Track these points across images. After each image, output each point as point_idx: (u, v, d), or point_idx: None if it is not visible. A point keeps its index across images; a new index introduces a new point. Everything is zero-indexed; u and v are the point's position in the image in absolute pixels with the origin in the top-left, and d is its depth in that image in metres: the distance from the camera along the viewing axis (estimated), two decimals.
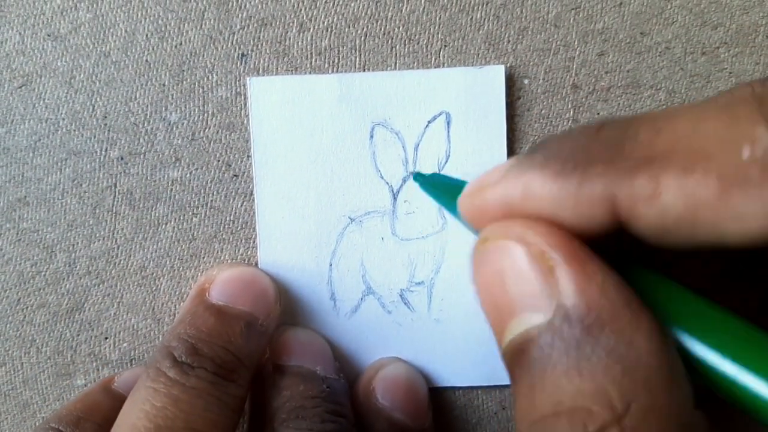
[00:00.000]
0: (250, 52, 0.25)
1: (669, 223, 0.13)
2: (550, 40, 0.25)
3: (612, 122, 0.14)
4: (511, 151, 0.25)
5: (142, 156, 0.25)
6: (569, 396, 0.14)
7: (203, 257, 0.25)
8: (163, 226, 0.25)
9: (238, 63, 0.25)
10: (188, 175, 0.25)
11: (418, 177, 0.22)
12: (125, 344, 0.26)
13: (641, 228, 0.14)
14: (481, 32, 0.25)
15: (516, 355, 0.15)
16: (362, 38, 0.25)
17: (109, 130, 0.25)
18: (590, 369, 0.14)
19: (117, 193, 0.25)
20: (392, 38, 0.25)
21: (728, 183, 0.13)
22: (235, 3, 0.25)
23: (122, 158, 0.25)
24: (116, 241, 0.25)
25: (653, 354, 0.13)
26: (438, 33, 0.25)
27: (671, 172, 0.13)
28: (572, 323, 0.14)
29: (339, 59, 0.25)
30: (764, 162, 0.12)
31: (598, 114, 0.25)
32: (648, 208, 0.14)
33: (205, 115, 0.25)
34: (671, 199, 0.13)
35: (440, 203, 0.21)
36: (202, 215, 0.25)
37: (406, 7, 0.25)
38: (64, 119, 0.25)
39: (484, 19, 0.25)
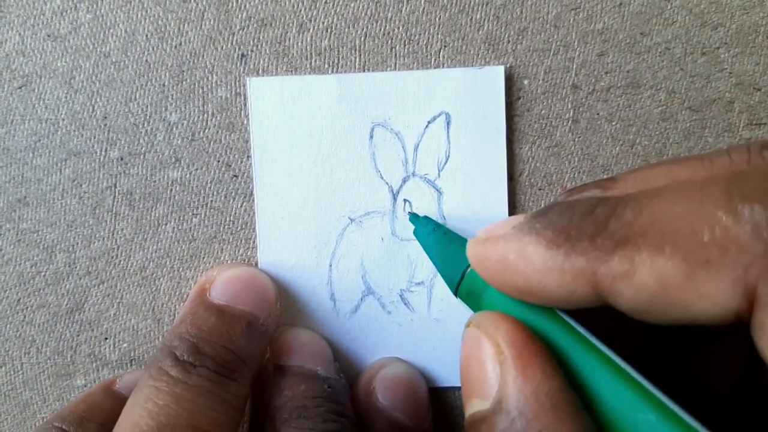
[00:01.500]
0: (249, 52, 0.25)
1: (644, 301, 0.15)
2: (550, 40, 0.25)
3: (608, 200, 0.16)
4: (510, 152, 0.25)
5: (141, 156, 0.25)
6: None
7: (203, 258, 0.26)
8: (163, 226, 0.26)
9: (238, 63, 0.25)
10: (188, 175, 0.25)
11: (414, 218, 0.24)
12: (125, 344, 0.26)
13: (621, 304, 0.15)
14: (480, 33, 0.25)
15: (466, 431, 0.18)
16: (362, 39, 0.25)
17: (108, 131, 0.25)
18: None
19: (117, 194, 0.25)
20: (392, 39, 0.25)
21: (693, 264, 0.14)
22: (234, 3, 0.25)
23: (122, 159, 0.25)
24: (116, 241, 0.25)
25: None
26: (438, 33, 0.25)
27: (644, 252, 0.14)
28: (504, 416, 0.16)
29: (339, 59, 0.25)
30: (723, 244, 0.13)
31: (598, 114, 0.25)
32: (624, 285, 0.15)
33: (205, 115, 0.25)
34: (644, 278, 0.14)
35: (426, 250, 0.23)
36: (202, 215, 0.26)
37: (406, 8, 0.25)
38: (63, 120, 0.25)
39: (484, 19, 0.25)
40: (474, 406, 0.17)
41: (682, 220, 0.14)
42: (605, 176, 0.25)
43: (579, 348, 0.17)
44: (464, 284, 0.20)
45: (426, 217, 0.24)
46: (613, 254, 0.15)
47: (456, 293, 0.21)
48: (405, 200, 0.25)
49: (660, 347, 0.20)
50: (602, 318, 0.18)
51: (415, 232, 0.24)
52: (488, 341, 0.17)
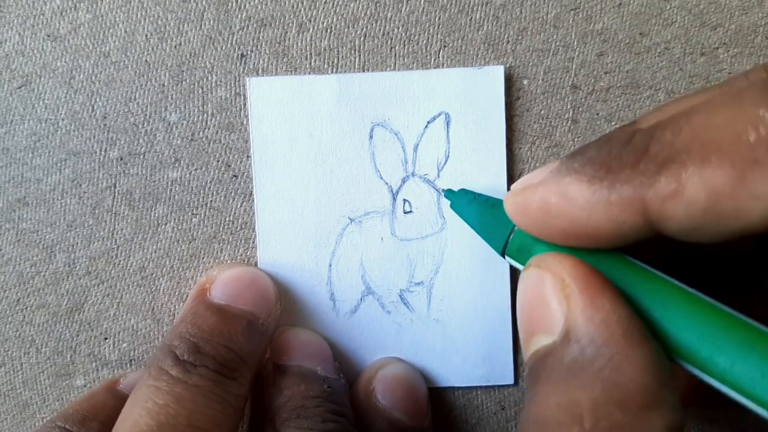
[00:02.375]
0: (249, 52, 0.25)
1: (696, 217, 0.14)
2: (550, 40, 0.25)
3: (645, 127, 0.16)
4: (510, 152, 0.26)
5: (141, 156, 0.25)
6: (553, 408, 0.16)
7: (203, 258, 0.26)
8: (163, 226, 0.26)
9: (238, 63, 0.25)
10: (188, 175, 0.26)
11: (449, 193, 0.24)
12: (125, 344, 0.26)
13: (671, 226, 0.15)
14: (480, 33, 0.25)
15: (530, 369, 0.17)
16: (362, 39, 0.25)
17: (108, 131, 0.25)
18: (575, 386, 0.15)
19: (116, 194, 0.26)
20: (392, 39, 0.25)
21: (741, 168, 0.14)
22: (234, 3, 0.25)
23: (122, 158, 0.25)
24: (116, 241, 0.26)
25: (636, 381, 0.15)
26: (437, 33, 0.25)
27: (690, 167, 0.14)
28: (573, 346, 0.16)
29: (338, 60, 0.25)
30: None
31: (598, 114, 0.26)
32: (674, 205, 0.15)
33: (205, 115, 0.25)
34: (693, 193, 0.14)
35: (467, 220, 0.23)
36: (202, 215, 0.26)
37: (406, 8, 0.25)
38: (63, 120, 0.25)
39: (484, 19, 0.25)
40: (538, 342, 0.17)
41: (724, 127, 0.14)
42: None
43: (643, 278, 0.17)
44: (513, 240, 0.20)
45: (463, 189, 0.24)
46: (659, 176, 0.15)
47: (503, 253, 0.20)
48: (405, 200, 0.26)
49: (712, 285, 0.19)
50: (651, 260, 0.17)
51: (452, 206, 0.24)
52: (552, 277, 0.17)
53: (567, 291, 0.17)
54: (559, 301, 0.17)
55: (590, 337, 0.16)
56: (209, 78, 0.25)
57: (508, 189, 0.26)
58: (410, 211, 0.26)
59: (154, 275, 0.26)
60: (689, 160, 0.14)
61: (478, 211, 0.22)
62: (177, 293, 0.26)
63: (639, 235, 0.16)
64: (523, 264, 0.20)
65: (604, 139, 0.16)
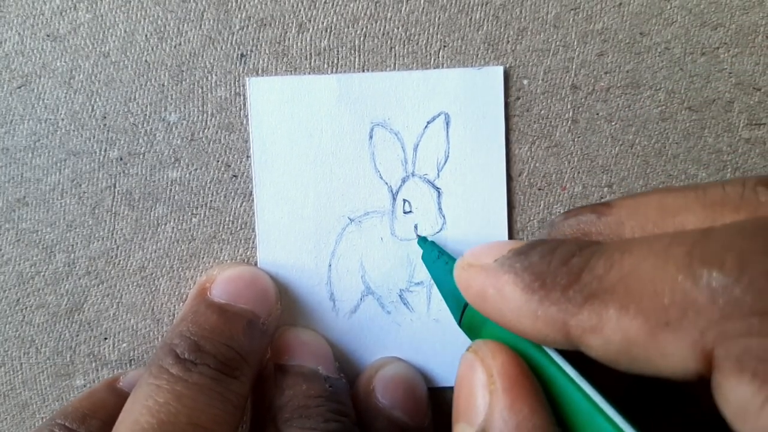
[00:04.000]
0: (249, 52, 0.26)
1: (612, 354, 0.16)
2: (550, 40, 0.26)
3: (585, 249, 0.17)
4: (510, 152, 0.26)
5: (141, 156, 0.26)
6: None
7: (203, 257, 0.26)
8: (163, 226, 0.26)
9: (238, 63, 0.26)
10: (187, 175, 0.26)
11: (422, 242, 0.25)
12: (124, 344, 0.27)
13: (591, 353, 0.16)
14: (480, 33, 0.26)
15: None
16: (361, 39, 0.26)
17: (108, 131, 0.26)
18: None
19: (116, 194, 0.26)
20: (391, 39, 0.26)
21: (654, 325, 0.14)
22: (234, 3, 0.25)
23: (121, 158, 0.26)
24: (115, 241, 0.26)
25: None
26: (437, 33, 0.26)
27: (611, 309, 0.15)
28: None
29: (338, 59, 0.26)
30: (682, 307, 0.14)
31: (598, 114, 0.26)
32: (593, 338, 0.16)
33: (205, 115, 0.26)
34: (610, 334, 0.15)
35: (432, 276, 0.24)
36: (202, 215, 0.26)
37: (406, 8, 0.26)
38: (63, 119, 0.26)
39: (484, 19, 0.26)
40: (461, 429, 0.18)
41: (646, 279, 0.15)
42: (604, 176, 0.26)
43: (564, 384, 0.18)
44: (466, 315, 0.21)
45: (432, 243, 0.25)
46: (583, 308, 0.16)
47: (459, 323, 0.21)
48: (404, 200, 0.26)
49: (645, 385, 0.20)
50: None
51: (422, 257, 0.25)
52: (482, 369, 0.18)
53: (492, 387, 0.17)
54: (483, 395, 0.17)
55: None
56: (209, 78, 0.26)
57: (508, 190, 0.26)
58: (410, 211, 0.26)
59: (153, 275, 0.26)
60: (611, 302, 0.15)
61: (442, 271, 0.23)
62: (177, 293, 0.26)
63: (563, 347, 0.17)
64: (472, 339, 0.20)
65: (551, 247, 0.17)
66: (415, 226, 0.26)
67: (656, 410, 0.20)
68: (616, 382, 0.18)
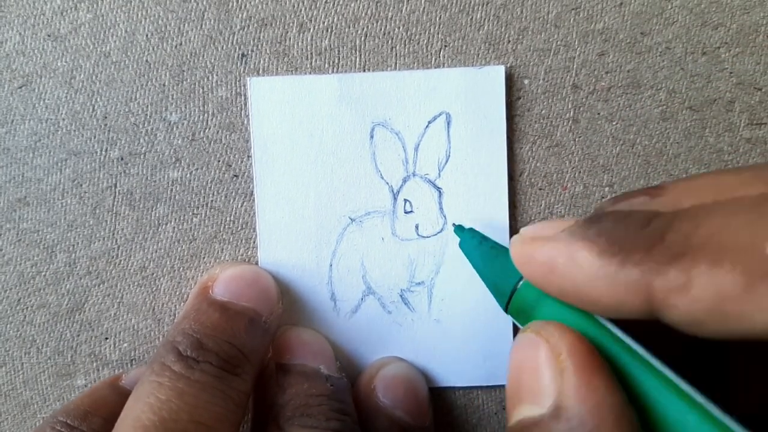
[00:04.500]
0: (250, 52, 0.26)
1: (699, 314, 0.15)
2: (551, 40, 0.26)
3: (666, 214, 0.16)
4: (511, 152, 0.26)
5: (142, 156, 0.26)
6: None
7: (203, 257, 0.26)
8: (164, 226, 0.26)
9: (238, 63, 0.26)
10: (188, 175, 0.26)
11: (459, 230, 0.24)
12: (125, 344, 0.27)
13: (674, 317, 0.16)
14: (481, 32, 0.26)
15: None
16: (362, 38, 0.26)
17: (109, 131, 0.26)
18: None
19: (117, 194, 0.26)
20: (392, 38, 0.26)
21: (752, 277, 0.14)
22: (235, 3, 0.26)
23: (122, 158, 0.26)
24: (116, 241, 0.26)
25: None
26: (438, 33, 0.26)
27: (702, 265, 0.15)
28: (562, 423, 0.16)
29: (339, 59, 0.26)
30: None
31: (599, 114, 0.26)
32: (680, 299, 0.15)
33: (206, 115, 0.26)
34: (701, 291, 0.15)
35: (474, 265, 0.23)
36: (203, 215, 0.26)
37: (406, 8, 0.26)
38: (64, 119, 0.26)
39: (484, 19, 0.26)
40: (524, 411, 0.17)
41: (741, 233, 0.14)
42: (605, 176, 0.26)
43: (634, 362, 0.17)
44: (516, 298, 0.20)
45: (472, 230, 0.24)
46: (670, 267, 0.15)
47: (506, 309, 0.21)
48: (405, 200, 0.26)
49: (698, 363, 0.20)
50: (641, 331, 0.18)
51: (460, 245, 0.24)
52: (548, 347, 0.17)
53: (562, 365, 0.17)
54: (553, 374, 0.17)
55: (581, 419, 0.16)
56: (210, 78, 0.26)
57: (509, 190, 0.26)
58: (411, 211, 0.26)
59: (154, 275, 0.26)
60: (702, 258, 0.15)
61: (485, 257, 0.22)
62: (178, 293, 0.26)
63: (637, 316, 0.16)
64: (522, 324, 0.20)
65: (624, 213, 0.17)
66: (416, 226, 0.26)
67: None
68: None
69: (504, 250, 0.21)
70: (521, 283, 0.20)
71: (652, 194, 0.18)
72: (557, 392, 0.16)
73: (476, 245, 0.23)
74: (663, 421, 0.16)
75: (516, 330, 0.26)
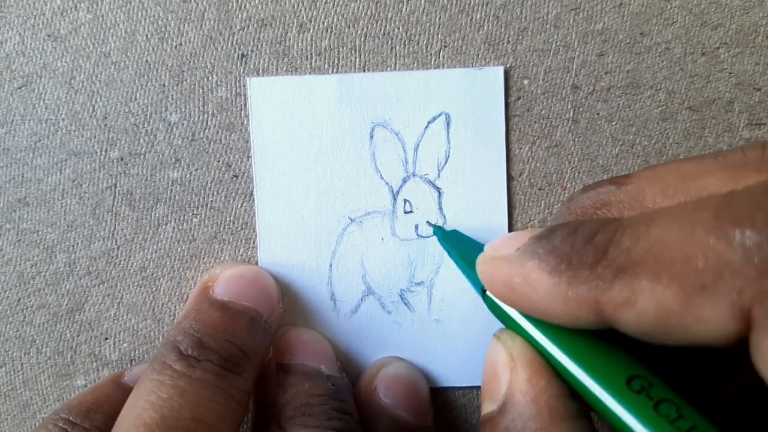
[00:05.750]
0: (250, 52, 0.26)
1: (646, 326, 0.16)
2: (550, 40, 0.26)
3: (608, 225, 0.17)
4: (510, 152, 0.26)
5: (142, 156, 0.26)
6: None
7: (203, 258, 0.27)
8: (163, 226, 0.26)
9: (238, 63, 0.26)
10: (188, 175, 0.26)
11: (438, 231, 0.26)
12: (125, 345, 0.27)
13: (624, 328, 0.17)
14: (480, 33, 0.26)
15: (479, 430, 0.20)
16: (362, 39, 0.26)
17: (109, 131, 0.26)
18: None
19: (117, 194, 0.26)
20: (392, 39, 0.26)
21: (689, 291, 0.15)
22: (235, 3, 0.26)
23: (122, 159, 0.26)
24: (116, 241, 0.26)
25: None
26: (438, 34, 0.26)
27: (643, 280, 0.15)
28: (507, 416, 0.19)
29: (339, 60, 0.26)
30: (717, 270, 0.14)
31: (598, 114, 0.26)
32: (626, 313, 0.16)
33: (205, 115, 0.26)
34: (644, 306, 0.16)
35: (453, 259, 0.25)
36: (202, 216, 0.26)
37: (406, 8, 0.26)
38: (64, 120, 0.26)
39: (484, 19, 0.26)
40: (486, 407, 0.20)
41: (676, 246, 0.15)
42: (605, 176, 0.26)
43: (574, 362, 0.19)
44: (488, 294, 0.21)
45: (454, 231, 0.25)
46: (614, 283, 0.16)
47: (483, 298, 0.22)
48: (405, 200, 0.26)
49: (675, 359, 0.21)
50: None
51: (440, 242, 0.25)
52: (504, 351, 0.20)
53: (512, 365, 0.19)
54: (505, 373, 0.19)
55: (521, 410, 0.18)
56: (210, 78, 0.26)
57: (509, 190, 0.26)
58: (411, 211, 0.26)
59: (154, 275, 0.27)
60: (642, 273, 0.15)
61: (461, 252, 0.24)
62: (178, 293, 0.27)
63: (595, 327, 0.17)
64: (496, 315, 0.21)
65: (572, 228, 0.18)
66: (416, 226, 0.26)
67: (686, 389, 0.20)
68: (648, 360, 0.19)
69: (480, 248, 0.23)
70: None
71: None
72: (507, 388, 0.19)
73: (452, 243, 0.25)
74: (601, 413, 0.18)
75: None
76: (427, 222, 0.26)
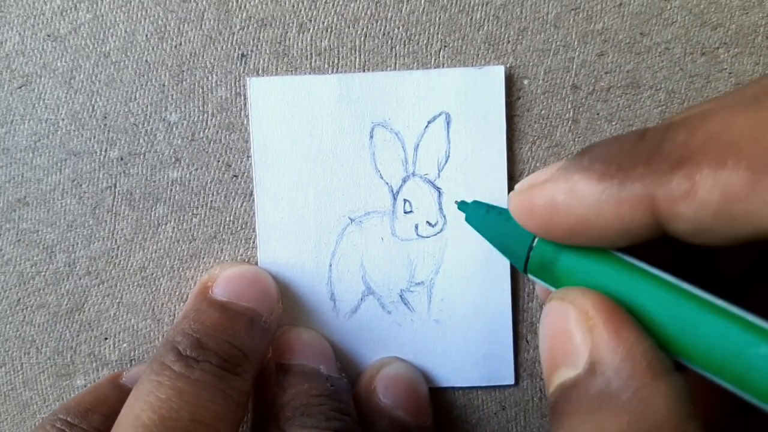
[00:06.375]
0: (249, 52, 0.26)
1: (707, 219, 0.15)
2: (550, 40, 0.26)
3: (656, 126, 0.16)
4: (510, 152, 0.26)
5: (141, 156, 0.26)
6: None
7: (203, 258, 0.27)
8: (163, 226, 0.27)
9: (238, 63, 0.26)
10: (188, 175, 0.26)
11: (462, 205, 0.24)
12: (125, 345, 0.27)
13: (680, 227, 0.15)
14: (480, 33, 0.26)
15: (554, 402, 0.18)
16: (362, 38, 0.26)
17: (108, 131, 0.26)
18: (603, 418, 0.16)
19: (117, 194, 0.26)
20: (392, 39, 0.26)
21: (757, 172, 0.14)
22: (234, 3, 0.26)
23: (122, 158, 0.26)
24: (116, 241, 0.27)
25: (663, 413, 0.16)
26: (438, 33, 0.26)
27: (705, 168, 0.15)
28: (599, 378, 0.17)
29: (339, 59, 0.26)
30: None
31: (598, 114, 0.26)
32: (686, 205, 0.15)
33: (205, 115, 0.26)
34: (707, 195, 0.15)
35: (484, 235, 0.23)
36: (202, 215, 0.27)
37: (406, 8, 0.26)
38: (63, 120, 0.26)
39: (484, 19, 0.26)
40: (562, 375, 0.18)
41: (741, 129, 0.14)
42: None
43: (661, 293, 0.17)
44: (533, 257, 0.20)
45: (476, 202, 0.24)
46: (672, 175, 0.15)
47: (525, 270, 0.21)
48: (405, 200, 0.26)
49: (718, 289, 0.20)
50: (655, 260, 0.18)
51: (467, 219, 0.24)
52: (575, 310, 0.17)
53: (591, 323, 0.17)
54: (583, 334, 0.17)
55: (616, 370, 0.16)
56: (209, 78, 0.26)
57: (509, 189, 0.26)
58: (411, 211, 0.27)
59: (154, 275, 0.27)
60: (704, 161, 0.14)
61: (494, 225, 0.22)
62: (177, 293, 0.27)
63: (646, 235, 0.16)
64: (545, 281, 0.20)
65: (614, 138, 0.17)
66: (416, 226, 0.27)
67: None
68: None
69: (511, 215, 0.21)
70: (536, 241, 0.20)
71: (639, 135, 0.17)
72: (590, 350, 0.17)
73: (482, 215, 0.23)
74: (701, 343, 0.16)
75: (515, 321, 0.27)
76: (456, 201, 0.25)
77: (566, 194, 0.17)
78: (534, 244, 0.20)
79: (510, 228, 0.21)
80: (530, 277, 0.21)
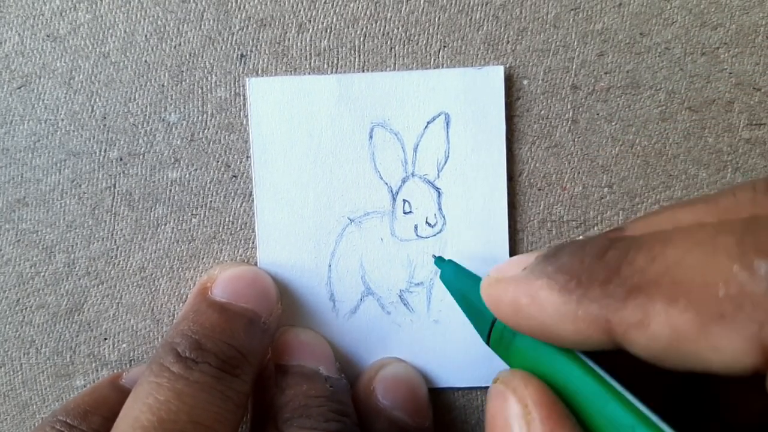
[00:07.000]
0: (249, 52, 0.26)
1: (658, 350, 0.15)
2: (550, 40, 0.26)
3: (619, 243, 0.16)
4: (510, 152, 0.26)
5: (141, 157, 0.26)
6: None
7: (202, 258, 0.27)
8: (163, 226, 0.27)
9: (237, 63, 0.26)
10: (187, 175, 0.26)
11: (439, 262, 0.25)
12: (124, 345, 0.27)
13: (634, 351, 0.16)
14: (480, 33, 0.26)
15: None
16: (361, 39, 0.26)
17: (108, 131, 0.26)
18: None
19: (116, 194, 0.26)
20: (391, 39, 0.26)
21: (706, 318, 0.14)
22: (234, 4, 0.26)
23: (121, 159, 0.26)
24: (115, 241, 0.27)
25: None
26: (437, 33, 0.26)
27: (658, 302, 0.15)
28: None
29: (338, 60, 0.26)
30: (738, 300, 0.14)
31: (598, 114, 0.26)
32: (638, 334, 0.15)
33: (205, 115, 0.26)
34: (657, 329, 0.15)
35: (453, 295, 0.24)
36: (202, 216, 0.27)
37: (406, 8, 0.26)
38: (63, 120, 0.26)
39: (484, 19, 0.26)
40: None
41: (695, 270, 0.14)
42: (604, 176, 0.27)
43: (604, 397, 0.17)
44: (494, 333, 0.21)
45: (451, 262, 0.25)
46: (626, 302, 0.15)
47: (487, 341, 0.21)
48: (404, 200, 0.26)
49: (686, 386, 0.20)
50: (627, 356, 0.18)
51: (441, 277, 0.25)
52: (516, 400, 0.18)
53: (529, 418, 0.17)
54: (520, 426, 0.17)
55: None
56: (209, 78, 0.26)
57: (509, 190, 0.26)
58: (410, 212, 0.27)
59: (153, 275, 0.27)
60: (658, 295, 0.15)
61: (464, 291, 0.23)
62: (177, 294, 0.27)
63: (605, 348, 0.17)
64: (501, 356, 0.20)
65: (580, 244, 0.17)
66: (415, 227, 0.27)
67: (691, 417, 0.20)
68: (652, 389, 0.18)
69: (479, 281, 0.22)
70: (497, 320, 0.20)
71: (611, 237, 0.18)
72: None
73: (455, 278, 0.24)
74: None
75: None
76: (433, 255, 0.26)
77: (529, 299, 0.17)
78: (496, 321, 0.20)
79: (477, 298, 0.21)
80: (491, 348, 0.21)
